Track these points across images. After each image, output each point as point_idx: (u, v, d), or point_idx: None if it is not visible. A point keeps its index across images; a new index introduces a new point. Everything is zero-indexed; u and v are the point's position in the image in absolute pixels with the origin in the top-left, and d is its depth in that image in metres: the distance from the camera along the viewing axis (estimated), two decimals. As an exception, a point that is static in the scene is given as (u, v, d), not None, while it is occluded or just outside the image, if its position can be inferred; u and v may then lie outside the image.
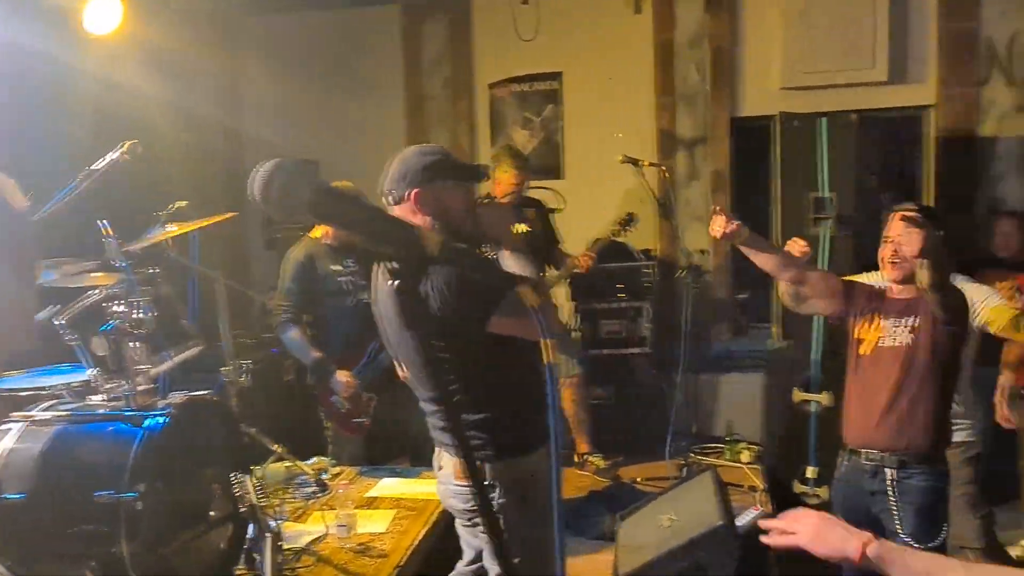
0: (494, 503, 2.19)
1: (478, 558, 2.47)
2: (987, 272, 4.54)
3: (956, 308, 2.58)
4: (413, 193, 2.16)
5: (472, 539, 2.46)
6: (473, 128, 5.67)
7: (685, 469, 4.06)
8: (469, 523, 2.40)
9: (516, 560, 2.14)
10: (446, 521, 2.78)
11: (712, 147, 5.26)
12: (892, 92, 4.96)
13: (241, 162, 5.56)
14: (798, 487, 4.25)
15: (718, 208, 2.88)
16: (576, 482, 4.22)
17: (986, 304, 2.95)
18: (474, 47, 5.61)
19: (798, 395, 4.28)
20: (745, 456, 4.35)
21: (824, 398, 4.19)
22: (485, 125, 5.66)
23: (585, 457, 4.49)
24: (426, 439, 2.73)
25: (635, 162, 4.28)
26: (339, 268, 3.80)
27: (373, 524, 2.87)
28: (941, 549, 2.61)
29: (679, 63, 5.26)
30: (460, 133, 5.68)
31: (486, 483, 2.20)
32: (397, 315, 2.12)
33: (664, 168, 4.72)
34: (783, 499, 4.07)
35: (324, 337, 3.76)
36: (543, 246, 4.47)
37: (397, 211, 2.18)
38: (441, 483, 2.38)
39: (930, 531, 2.60)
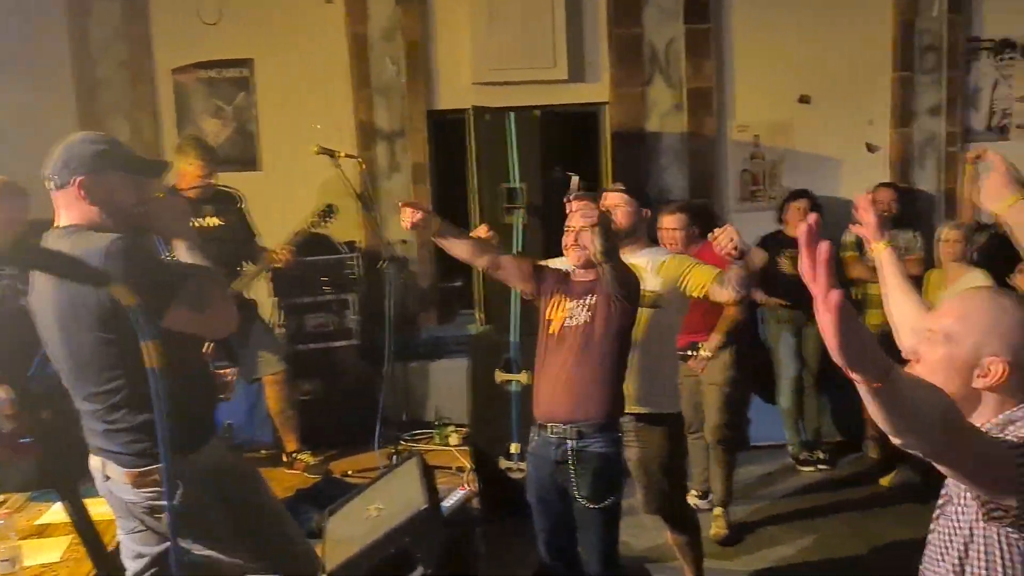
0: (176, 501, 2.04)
1: (150, 565, 2.32)
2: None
3: (627, 283, 2.83)
4: (78, 180, 2.08)
5: (142, 547, 2.31)
6: (156, 116, 5.27)
7: (394, 457, 4.10)
8: (143, 528, 2.26)
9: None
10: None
11: (411, 139, 5.35)
12: (572, 90, 5.36)
13: None
14: (503, 463, 4.47)
15: (402, 202, 2.95)
16: (285, 482, 4.09)
17: (660, 263, 3.14)
18: (152, 29, 5.20)
19: (500, 376, 4.50)
20: (453, 439, 4.49)
21: (523, 377, 4.44)
22: (170, 113, 5.28)
23: (294, 455, 4.38)
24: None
25: (331, 153, 4.22)
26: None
27: (45, 554, 2.57)
28: (614, 509, 2.87)
29: (374, 56, 5.28)
30: (142, 121, 5.25)
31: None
32: (64, 314, 2.05)
33: (361, 160, 4.72)
34: (490, 476, 4.27)
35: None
36: (239, 240, 4.28)
37: (60, 197, 2.11)
38: (114, 494, 2.21)
39: (604, 493, 2.83)
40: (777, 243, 4.97)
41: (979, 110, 5.57)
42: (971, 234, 4.60)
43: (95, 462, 2.25)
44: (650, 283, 3.07)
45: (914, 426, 1.27)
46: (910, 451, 1.31)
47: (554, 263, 3.19)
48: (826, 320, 1.13)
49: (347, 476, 4.03)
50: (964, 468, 1.37)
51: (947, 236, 4.45)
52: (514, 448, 4.46)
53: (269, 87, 5.29)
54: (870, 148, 5.54)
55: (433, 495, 3.07)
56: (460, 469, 4.06)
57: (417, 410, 4.95)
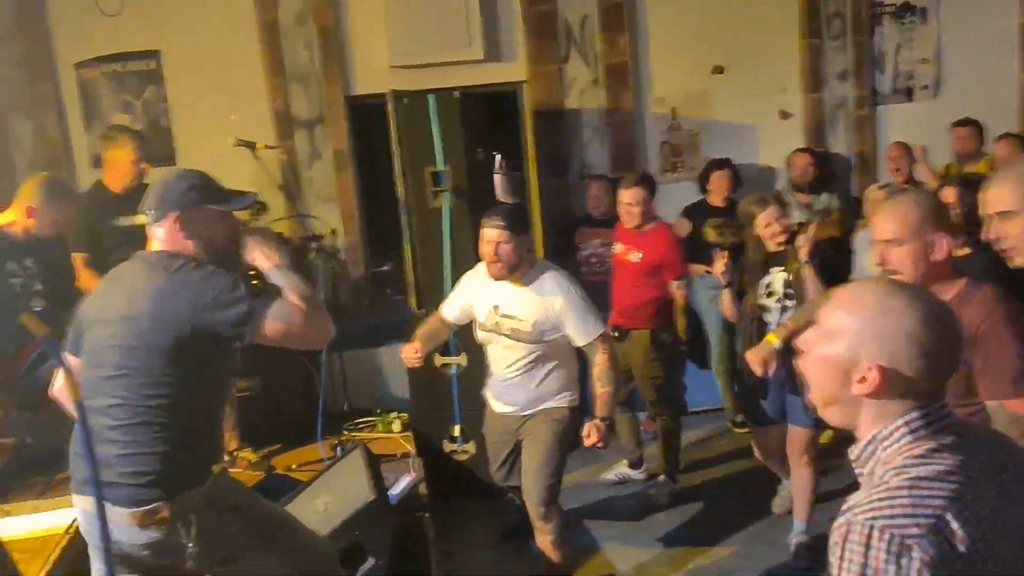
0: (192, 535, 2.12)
1: None
2: (583, 229, 5.17)
3: None
4: (173, 216, 2.24)
5: None
6: (62, 113, 5.05)
7: (338, 449, 4.07)
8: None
9: None
10: (76, 551, 2.50)
11: (330, 127, 5.26)
12: (490, 70, 5.35)
13: None
14: (447, 445, 4.49)
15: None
16: (226, 483, 4.02)
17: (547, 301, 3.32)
18: (50, 21, 4.97)
19: (439, 359, 4.50)
20: (396, 425, 4.48)
21: (462, 360, 4.45)
22: (76, 110, 5.07)
23: (235, 453, 4.30)
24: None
25: (250, 145, 4.13)
26: (14, 267, 3.29)
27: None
28: None
29: (286, 43, 5.15)
30: (46, 119, 5.03)
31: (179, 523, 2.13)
32: (135, 325, 2.13)
33: (282, 150, 4.63)
34: (434, 460, 4.29)
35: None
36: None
37: (156, 229, 2.27)
38: (117, 539, 2.13)
39: None
40: (701, 212, 5.09)
41: (884, 73, 5.78)
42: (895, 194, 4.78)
43: (87, 504, 2.18)
44: (529, 317, 3.19)
45: None
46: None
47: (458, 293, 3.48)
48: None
49: (291, 471, 3.98)
50: None
51: (873, 196, 4.61)
52: (457, 430, 4.49)
53: (179, 79, 5.12)
54: (783, 115, 5.70)
55: (380, 485, 3.08)
56: (405, 455, 4.06)
57: (358, 399, 4.91)
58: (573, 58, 5.46)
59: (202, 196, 2.27)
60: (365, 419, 4.58)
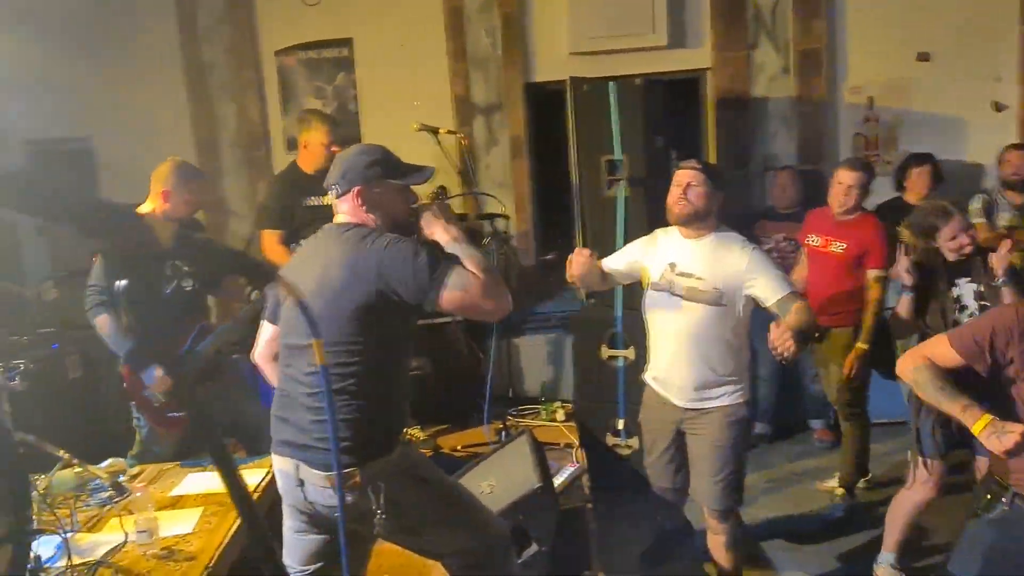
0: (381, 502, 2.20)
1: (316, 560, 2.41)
2: (765, 222, 4.94)
3: None
4: (356, 191, 2.30)
5: (316, 547, 2.38)
6: (262, 98, 5.40)
7: (503, 433, 4.11)
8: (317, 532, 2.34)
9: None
10: (265, 511, 2.64)
11: (508, 113, 5.31)
12: (673, 56, 5.21)
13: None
14: (610, 439, 4.43)
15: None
16: (395, 457, 4.16)
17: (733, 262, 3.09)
18: (256, 12, 5.31)
19: (605, 351, 4.44)
20: (560, 415, 4.48)
21: (630, 353, 4.37)
22: (275, 94, 5.39)
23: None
24: (257, 428, 2.60)
25: (433, 130, 4.22)
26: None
27: (179, 525, 2.67)
28: None
29: (470, 29, 5.24)
30: (248, 103, 5.38)
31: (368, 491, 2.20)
32: (330, 291, 2.20)
33: (462, 135, 4.71)
34: (597, 452, 4.24)
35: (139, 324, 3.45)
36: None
37: (340, 203, 2.34)
38: (307, 499, 2.26)
39: None
40: (896, 211, 4.71)
41: (1120, 61, 5.14)
42: None
43: (285, 465, 2.29)
44: (708, 276, 2.98)
45: None
46: None
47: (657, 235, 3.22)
48: None
49: (456, 451, 4.07)
50: None
51: None
52: (620, 424, 4.41)
53: (368, 65, 5.33)
54: (997, 107, 5.19)
55: (545, 473, 3.07)
56: (568, 445, 4.04)
57: (522, 386, 4.95)
58: (762, 44, 5.22)
59: (382, 171, 2.32)
60: (530, 406, 4.60)
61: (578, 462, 3.76)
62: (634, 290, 4.04)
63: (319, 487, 2.22)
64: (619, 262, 3.28)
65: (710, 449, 3.05)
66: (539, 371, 5.12)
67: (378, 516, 2.18)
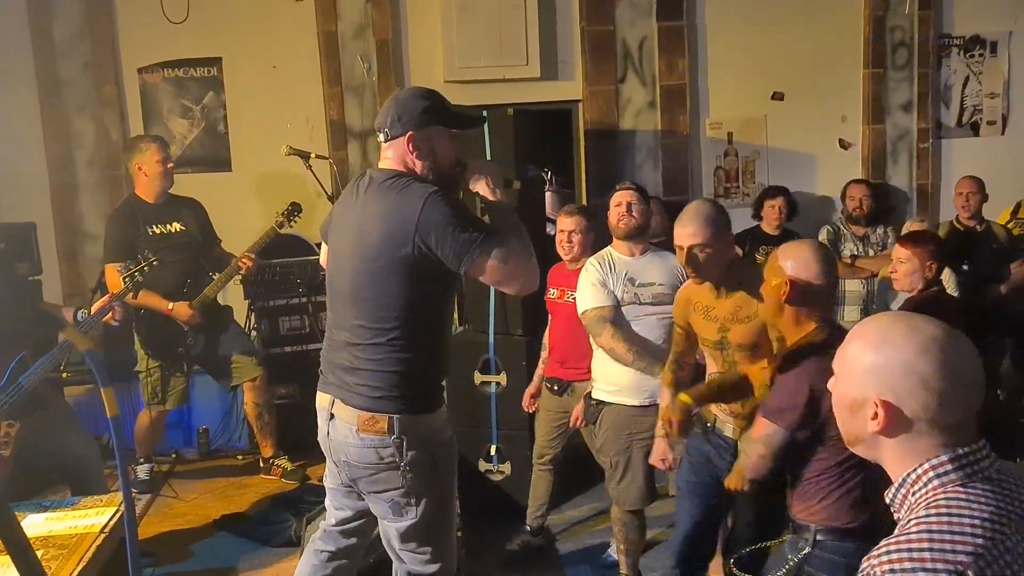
0: (405, 458, 2.20)
1: (351, 519, 2.45)
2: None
3: None
4: (408, 135, 2.22)
5: (349, 501, 2.42)
6: (123, 116, 5.17)
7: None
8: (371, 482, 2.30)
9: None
10: (112, 552, 2.49)
11: (384, 139, 5.28)
12: (545, 88, 5.34)
13: None
14: (482, 465, 4.43)
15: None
16: (262, 488, 4.03)
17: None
18: (117, 27, 5.10)
19: (478, 377, 4.45)
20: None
21: (502, 379, 4.39)
22: (137, 112, 5.18)
23: (271, 461, 4.31)
24: (87, 465, 2.46)
25: (304, 155, 4.15)
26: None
27: (13, 571, 2.48)
28: None
29: (345, 54, 5.21)
30: (108, 121, 5.15)
31: (395, 437, 2.20)
32: (368, 244, 2.19)
33: (332, 160, 4.65)
34: (468, 477, 4.22)
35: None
36: (203, 247, 4.18)
37: (389, 147, 2.26)
38: (333, 438, 2.30)
39: None
40: (755, 239, 4.98)
41: (950, 107, 5.63)
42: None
43: (324, 401, 2.33)
44: (668, 282, 3.19)
45: None
46: None
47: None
48: None
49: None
50: None
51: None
52: (493, 450, 4.42)
53: (239, 86, 5.21)
54: (843, 145, 5.57)
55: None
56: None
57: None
58: (630, 79, 5.41)
59: (437, 117, 2.25)
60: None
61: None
62: (506, 315, 4.09)
63: (344, 422, 2.24)
64: (609, 297, 3.21)
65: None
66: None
67: (403, 468, 2.19)
